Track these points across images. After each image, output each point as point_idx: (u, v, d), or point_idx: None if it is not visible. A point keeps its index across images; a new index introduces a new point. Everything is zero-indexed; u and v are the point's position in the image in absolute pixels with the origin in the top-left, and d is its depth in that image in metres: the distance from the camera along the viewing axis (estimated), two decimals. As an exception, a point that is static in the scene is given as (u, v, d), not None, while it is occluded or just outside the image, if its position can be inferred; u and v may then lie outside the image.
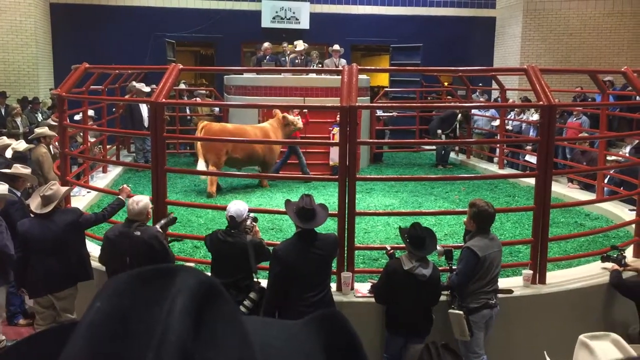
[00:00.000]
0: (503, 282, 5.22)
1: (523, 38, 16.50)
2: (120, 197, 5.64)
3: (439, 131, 12.15)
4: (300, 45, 12.29)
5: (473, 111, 12.79)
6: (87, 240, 5.60)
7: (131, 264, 4.63)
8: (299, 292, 4.47)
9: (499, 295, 4.88)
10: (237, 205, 4.85)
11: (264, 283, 4.76)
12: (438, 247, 5.05)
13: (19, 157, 7.16)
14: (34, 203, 5.12)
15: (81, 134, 9.22)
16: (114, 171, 10.47)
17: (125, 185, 5.91)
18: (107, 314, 0.56)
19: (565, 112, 12.07)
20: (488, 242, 4.74)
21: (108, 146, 11.17)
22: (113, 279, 0.61)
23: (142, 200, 4.90)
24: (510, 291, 5.05)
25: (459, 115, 12.13)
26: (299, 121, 9.97)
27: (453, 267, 4.97)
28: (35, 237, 5.02)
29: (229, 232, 4.78)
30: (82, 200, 8.01)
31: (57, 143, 7.65)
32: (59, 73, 14.62)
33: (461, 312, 4.63)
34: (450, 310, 4.69)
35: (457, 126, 12.19)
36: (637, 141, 9.45)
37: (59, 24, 15.99)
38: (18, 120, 11.48)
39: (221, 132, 9.33)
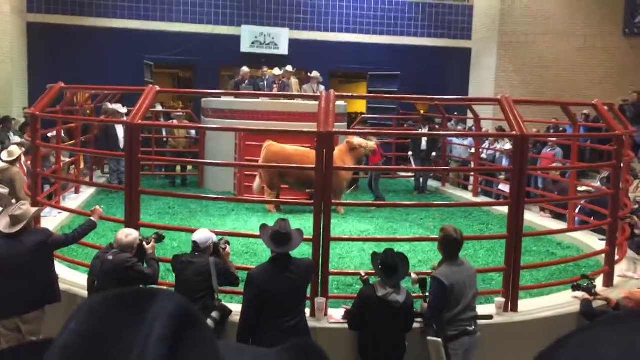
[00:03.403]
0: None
1: (497, 69, 16.85)
2: (92, 218, 5.55)
3: (410, 153, 12.36)
4: (277, 70, 12.37)
5: (450, 139, 12.95)
6: (56, 262, 5.48)
7: (98, 287, 4.61)
8: (273, 317, 4.44)
9: (480, 322, 4.87)
10: (203, 233, 4.97)
11: (225, 303, 4.85)
12: (413, 275, 5.06)
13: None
14: (2, 223, 5.01)
15: (54, 153, 9.10)
16: (87, 192, 10.33)
17: (97, 207, 5.83)
18: (82, 336, 0.55)
19: (539, 142, 12.30)
20: (455, 269, 4.72)
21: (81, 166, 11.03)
22: (89, 300, 0.60)
23: (132, 234, 4.91)
24: (490, 317, 5.03)
25: (421, 128, 12.34)
26: (367, 143, 9.86)
27: (427, 295, 4.97)
28: (1, 258, 4.89)
29: (193, 255, 4.86)
30: (53, 221, 7.86)
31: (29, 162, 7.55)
32: (34, 92, 14.44)
33: (439, 340, 4.61)
34: (429, 338, 4.67)
35: (427, 145, 12.31)
36: (607, 173, 9.64)
37: (36, 43, 15.87)
38: (-11, 138, 11.28)
39: (278, 154, 9.31)
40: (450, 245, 4.78)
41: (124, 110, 11.13)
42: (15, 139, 9.99)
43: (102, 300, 0.59)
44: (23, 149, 8.33)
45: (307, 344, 0.73)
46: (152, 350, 0.53)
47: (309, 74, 12.46)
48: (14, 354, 0.68)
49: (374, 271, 4.90)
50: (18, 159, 8.10)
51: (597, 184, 10.03)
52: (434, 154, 12.34)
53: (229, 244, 5.16)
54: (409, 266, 4.85)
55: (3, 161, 7.90)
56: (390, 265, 4.62)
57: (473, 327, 4.72)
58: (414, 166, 12.19)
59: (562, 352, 0.63)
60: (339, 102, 11.10)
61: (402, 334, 4.70)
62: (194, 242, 4.91)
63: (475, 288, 4.85)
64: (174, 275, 5.99)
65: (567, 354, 0.62)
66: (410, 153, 12.44)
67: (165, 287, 5.28)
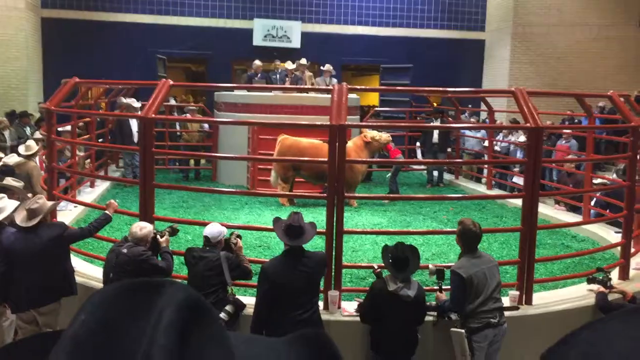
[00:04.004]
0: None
1: (511, 61, 16.71)
2: (106, 212, 5.60)
3: (417, 144, 12.36)
4: (289, 63, 12.35)
5: (465, 131, 12.87)
6: (72, 255, 5.54)
7: (113, 280, 4.66)
8: (287, 310, 4.46)
9: (506, 313, 4.82)
10: (214, 227, 5.00)
11: (239, 297, 4.89)
12: (430, 266, 5.05)
13: (6, 170, 7.10)
14: (19, 216, 5.06)
15: (69, 147, 9.18)
16: (102, 186, 10.41)
17: (112, 200, 5.87)
18: (92, 327, 0.55)
19: (553, 134, 12.19)
20: (474, 261, 4.71)
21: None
22: (99, 291, 0.60)
23: (146, 227, 4.96)
24: (516, 308, 4.99)
25: (433, 120, 12.34)
26: (381, 135, 9.89)
27: (442, 287, 4.96)
28: (18, 251, 4.95)
29: (204, 249, 4.91)
30: (68, 214, 7.94)
31: (44, 157, 7.62)
32: (49, 87, 14.58)
33: (462, 331, 4.60)
34: (452, 329, 4.65)
35: (439, 137, 12.23)
36: (623, 164, 9.54)
37: (50, 38, 15.99)
38: (6, 133, 11.40)
39: (292, 147, 9.33)
40: (469, 238, 4.76)
41: (137, 104, 11.18)
42: (36, 134, 10.07)
43: (112, 291, 0.59)
44: (41, 144, 8.41)
45: (316, 333, 0.73)
46: (161, 339, 0.53)
47: (321, 67, 12.43)
48: (27, 344, 0.69)
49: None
50: (35, 153, 8.18)
51: (613, 175, 9.93)
52: (449, 149, 12.27)
53: (240, 237, 5.17)
54: (420, 259, 4.82)
55: (20, 155, 7.98)
56: (401, 259, 4.59)
57: (497, 318, 4.67)
58: (420, 158, 12.18)
59: (574, 346, 0.62)
60: (352, 95, 11.07)
61: (414, 328, 4.69)
62: (205, 237, 4.95)
63: (498, 279, 4.79)
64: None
65: (579, 347, 0.62)
66: (417, 144, 12.45)
67: (179, 280, 5.32)
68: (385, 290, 4.54)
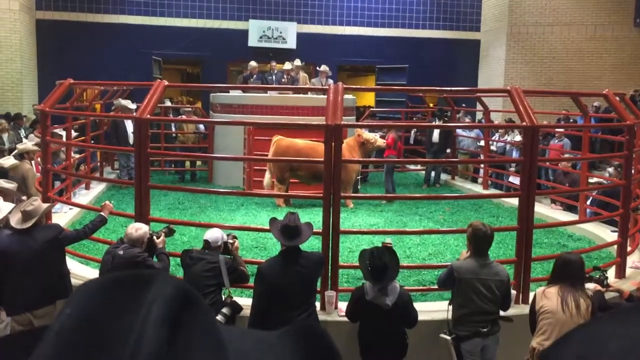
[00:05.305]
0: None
1: (507, 61, 16.74)
2: (102, 213, 5.58)
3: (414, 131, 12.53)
4: (287, 64, 12.34)
5: (458, 131, 12.89)
6: (67, 257, 5.51)
7: None
8: (284, 311, 4.43)
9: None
10: (215, 232, 5.00)
11: (236, 299, 4.86)
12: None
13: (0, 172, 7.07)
14: (14, 218, 5.04)
15: (64, 149, 9.15)
16: (97, 188, 10.38)
17: (107, 202, 5.85)
18: (78, 322, 0.54)
19: (548, 134, 12.21)
20: (476, 266, 4.53)
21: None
22: (85, 284, 0.58)
23: (142, 228, 4.94)
24: (510, 320, 4.83)
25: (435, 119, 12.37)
26: (377, 139, 9.88)
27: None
28: (13, 253, 4.93)
29: (203, 251, 4.90)
30: (64, 216, 7.91)
31: (39, 159, 7.59)
32: (44, 89, 14.52)
33: (448, 338, 4.54)
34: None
35: (440, 138, 12.22)
36: (617, 163, 9.56)
37: (45, 40, 15.95)
38: (5, 136, 11.32)
39: (289, 148, 9.29)
40: (477, 238, 4.58)
41: (133, 105, 11.15)
42: (31, 136, 10.03)
43: (98, 284, 0.58)
44: (36, 147, 8.38)
45: (310, 325, 0.72)
46: (150, 335, 0.52)
47: (317, 68, 12.42)
48: (13, 341, 0.68)
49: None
50: (30, 155, 8.15)
51: (610, 170, 9.91)
52: (448, 150, 12.25)
53: (236, 238, 5.18)
54: (399, 266, 4.60)
55: (15, 157, 7.95)
56: (378, 267, 4.38)
57: (487, 328, 4.51)
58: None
59: (568, 347, 0.62)
60: (348, 96, 11.07)
61: (400, 331, 4.54)
62: (206, 241, 4.95)
63: (498, 295, 4.54)
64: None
65: (573, 348, 0.61)
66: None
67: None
68: (363, 298, 4.43)
